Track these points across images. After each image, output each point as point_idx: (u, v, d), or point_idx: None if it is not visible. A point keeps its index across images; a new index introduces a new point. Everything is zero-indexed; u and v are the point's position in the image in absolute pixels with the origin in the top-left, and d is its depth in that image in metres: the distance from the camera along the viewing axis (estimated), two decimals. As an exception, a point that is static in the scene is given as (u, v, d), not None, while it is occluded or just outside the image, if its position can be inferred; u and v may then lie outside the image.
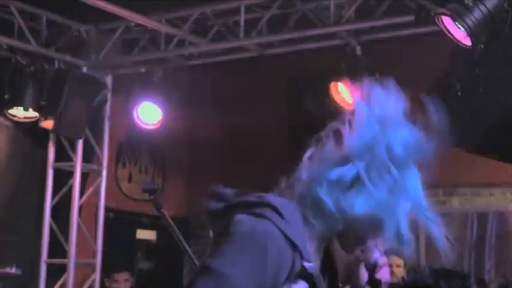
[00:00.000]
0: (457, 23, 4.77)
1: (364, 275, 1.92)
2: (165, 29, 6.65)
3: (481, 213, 7.37)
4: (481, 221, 7.33)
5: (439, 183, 7.49)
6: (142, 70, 6.99)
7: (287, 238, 1.56)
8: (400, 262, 6.85)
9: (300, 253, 1.57)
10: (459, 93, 5.04)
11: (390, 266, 6.83)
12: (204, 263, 1.55)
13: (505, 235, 7.24)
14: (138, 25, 6.76)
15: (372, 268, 1.92)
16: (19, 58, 6.39)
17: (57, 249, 6.89)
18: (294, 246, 1.56)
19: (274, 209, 1.61)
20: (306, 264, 1.58)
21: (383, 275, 1.94)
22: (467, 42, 4.89)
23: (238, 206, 1.67)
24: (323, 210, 1.62)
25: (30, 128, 6.69)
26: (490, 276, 7.15)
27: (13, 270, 5.63)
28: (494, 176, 7.07)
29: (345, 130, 1.71)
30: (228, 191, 1.77)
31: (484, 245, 7.28)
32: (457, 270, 1.63)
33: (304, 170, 1.75)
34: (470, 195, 7.46)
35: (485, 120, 4.99)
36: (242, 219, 1.60)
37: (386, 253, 7.45)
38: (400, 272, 6.82)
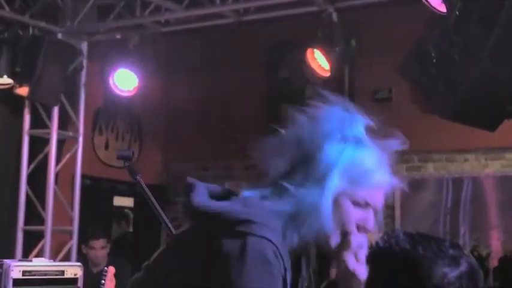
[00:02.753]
0: (433, -10, 4.78)
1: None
2: (140, -5, 6.60)
3: (456, 178, 7.44)
4: (456, 187, 7.41)
5: (415, 150, 7.55)
6: (118, 36, 6.95)
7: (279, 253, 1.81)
8: (375, 226, 6.92)
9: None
10: (434, 60, 5.07)
11: (363, 230, 6.92)
12: None
13: (480, 200, 7.33)
14: (113, -9, 6.71)
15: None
16: (-7, 24, 6.32)
17: (34, 216, 6.89)
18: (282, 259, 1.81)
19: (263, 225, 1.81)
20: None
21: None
22: (443, 8, 4.91)
23: (227, 222, 1.82)
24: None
25: (5, 95, 6.63)
26: (464, 240, 7.24)
27: None
28: (469, 142, 7.13)
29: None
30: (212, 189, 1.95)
31: (459, 210, 7.36)
32: (431, 235, 1.65)
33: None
34: (445, 161, 7.53)
35: (460, 86, 5.02)
36: (251, 244, 1.78)
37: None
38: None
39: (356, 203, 1.94)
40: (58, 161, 6.98)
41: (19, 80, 6.44)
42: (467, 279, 1.56)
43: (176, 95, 8.50)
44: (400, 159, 7.31)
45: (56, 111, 6.90)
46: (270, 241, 1.78)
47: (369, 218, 1.95)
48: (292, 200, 1.88)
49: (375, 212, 1.97)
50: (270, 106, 8.29)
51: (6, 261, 4.17)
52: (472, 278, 1.57)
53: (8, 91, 6.51)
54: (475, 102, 5.08)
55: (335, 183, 1.89)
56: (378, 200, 1.98)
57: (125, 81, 6.98)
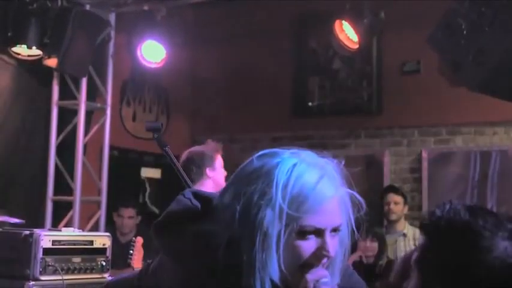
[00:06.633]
0: (463, -40, 4.72)
1: None
2: (168, -34, 6.58)
3: (484, 151, 7.39)
4: (484, 160, 7.36)
5: (443, 122, 7.50)
6: (146, 8, 6.94)
7: None
8: (399, 199, 6.91)
9: None
10: (464, 32, 5.01)
11: (388, 203, 6.90)
12: None
13: (508, 174, 7.27)
14: (141, -38, 6.69)
15: None
16: (22, -5, 6.34)
17: (63, 186, 6.96)
18: None
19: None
20: None
21: None
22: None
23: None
24: None
25: (34, 66, 6.68)
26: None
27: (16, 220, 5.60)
28: (498, 114, 7.07)
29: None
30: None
31: (487, 184, 7.32)
32: (488, 208, 1.62)
33: None
34: (474, 134, 7.48)
35: (490, 58, 4.97)
36: None
37: (386, 191, 7.51)
38: (399, 210, 6.89)
39: (304, 234, 1.73)
40: (86, 132, 7.03)
41: (48, 51, 6.47)
42: None
43: (204, 67, 8.50)
44: (428, 132, 7.37)
45: (84, 82, 6.94)
46: None
47: (325, 243, 1.74)
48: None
49: (333, 230, 1.76)
50: (298, 78, 8.27)
51: (37, 230, 4.23)
52: None
53: (37, 62, 6.55)
54: (505, 74, 5.03)
55: (272, 223, 1.71)
56: (328, 219, 1.75)
57: (152, 52, 6.99)
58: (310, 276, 1.74)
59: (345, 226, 1.78)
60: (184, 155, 4.72)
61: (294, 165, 1.74)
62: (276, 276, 1.72)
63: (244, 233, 1.70)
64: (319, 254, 1.73)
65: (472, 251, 1.52)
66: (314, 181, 1.72)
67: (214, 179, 4.72)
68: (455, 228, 1.55)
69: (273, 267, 1.71)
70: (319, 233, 1.73)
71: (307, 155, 1.78)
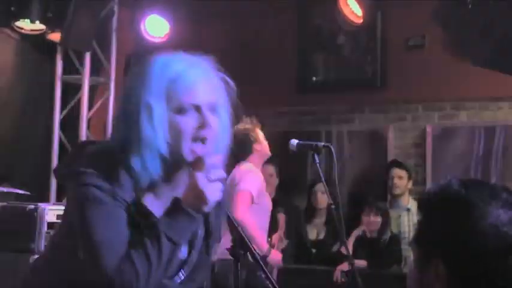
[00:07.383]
0: None
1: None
2: None
3: (489, 127, 7.37)
4: (488, 135, 7.35)
5: (447, 97, 7.49)
6: (149, -18, 6.92)
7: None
8: (403, 173, 6.91)
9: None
10: (470, 6, 4.99)
11: (392, 178, 6.90)
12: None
13: (512, 149, 7.27)
14: None
15: None
16: (25, -30, 6.31)
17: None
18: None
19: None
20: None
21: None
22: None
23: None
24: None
25: (37, 41, 6.66)
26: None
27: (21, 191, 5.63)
28: (503, 89, 7.05)
29: None
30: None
31: (491, 159, 7.31)
32: (483, 180, 1.64)
33: None
34: (478, 109, 7.46)
35: (494, 33, 4.94)
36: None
37: (390, 166, 7.49)
38: (403, 184, 6.89)
39: (182, 110, 2.07)
40: (90, 106, 7.03)
41: (51, 26, 6.45)
42: None
43: (207, 42, 8.46)
44: (433, 107, 7.35)
45: (88, 57, 6.92)
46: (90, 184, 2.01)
47: (204, 116, 2.08)
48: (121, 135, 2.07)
49: (210, 110, 2.11)
50: (302, 53, 8.25)
51: (41, 204, 4.25)
52: None
53: (41, 37, 6.54)
54: (510, 48, 5.01)
55: (154, 104, 2.04)
56: (202, 96, 2.10)
57: (156, 27, 6.97)
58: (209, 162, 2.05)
59: (222, 108, 2.18)
60: None
61: (168, 59, 2.15)
62: (163, 149, 2.03)
63: (132, 120, 2.02)
64: (201, 125, 2.07)
65: (464, 220, 1.54)
66: (186, 67, 2.11)
67: (260, 151, 5.34)
68: (447, 200, 1.58)
69: (160, 141, 2.03)
70: (197, 109, 2.08)
71: (180, 54, 2.18)
